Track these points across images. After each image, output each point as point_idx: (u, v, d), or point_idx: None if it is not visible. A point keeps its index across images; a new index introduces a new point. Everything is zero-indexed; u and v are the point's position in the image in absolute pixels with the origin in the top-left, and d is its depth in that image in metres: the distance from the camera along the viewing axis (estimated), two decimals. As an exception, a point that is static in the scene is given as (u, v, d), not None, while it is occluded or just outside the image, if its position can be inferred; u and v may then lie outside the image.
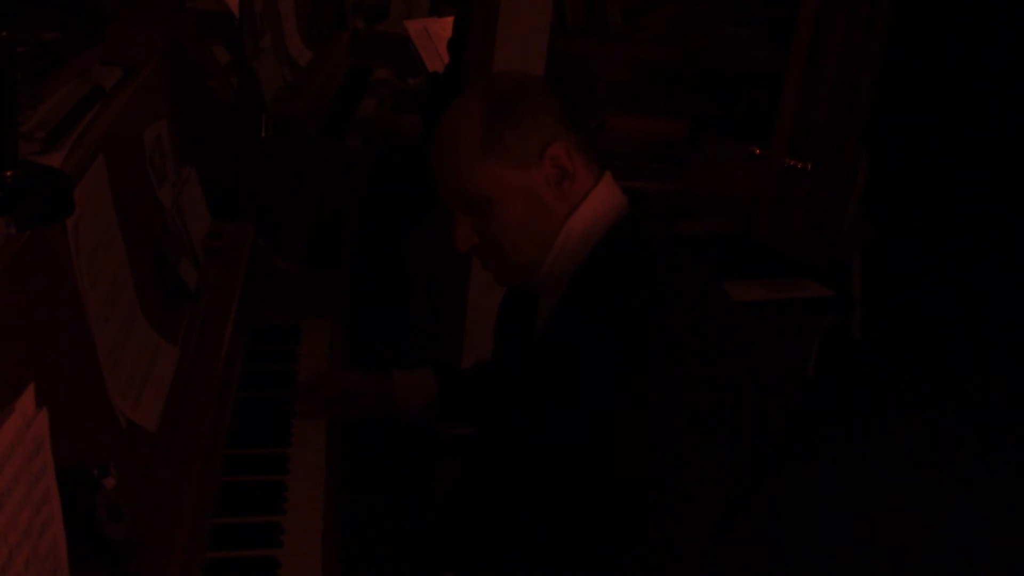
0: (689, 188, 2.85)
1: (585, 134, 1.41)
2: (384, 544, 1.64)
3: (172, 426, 1.35)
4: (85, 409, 1.15)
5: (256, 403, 1.73)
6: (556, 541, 1.34)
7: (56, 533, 0.94)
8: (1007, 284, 4.35)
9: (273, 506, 1.48)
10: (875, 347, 3.86)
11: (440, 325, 2.90)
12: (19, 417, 0.87)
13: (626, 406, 1.24)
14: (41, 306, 1.10)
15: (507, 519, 1.44)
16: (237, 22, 2.71)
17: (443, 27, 3.93)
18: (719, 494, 1.31)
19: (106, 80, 1.49)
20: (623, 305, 1.28)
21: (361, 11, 4.39)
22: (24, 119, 1.24)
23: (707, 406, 1.27)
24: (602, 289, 1.32)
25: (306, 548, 1.41)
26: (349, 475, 1.63)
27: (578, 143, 1.37)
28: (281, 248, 2.32)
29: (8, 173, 1.01)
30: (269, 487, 1.52)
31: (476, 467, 1.61)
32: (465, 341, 2.78)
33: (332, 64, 3.68)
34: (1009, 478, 3.20)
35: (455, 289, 2.78)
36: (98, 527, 1.03)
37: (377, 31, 4.43)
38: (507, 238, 1.36)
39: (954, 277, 4.44)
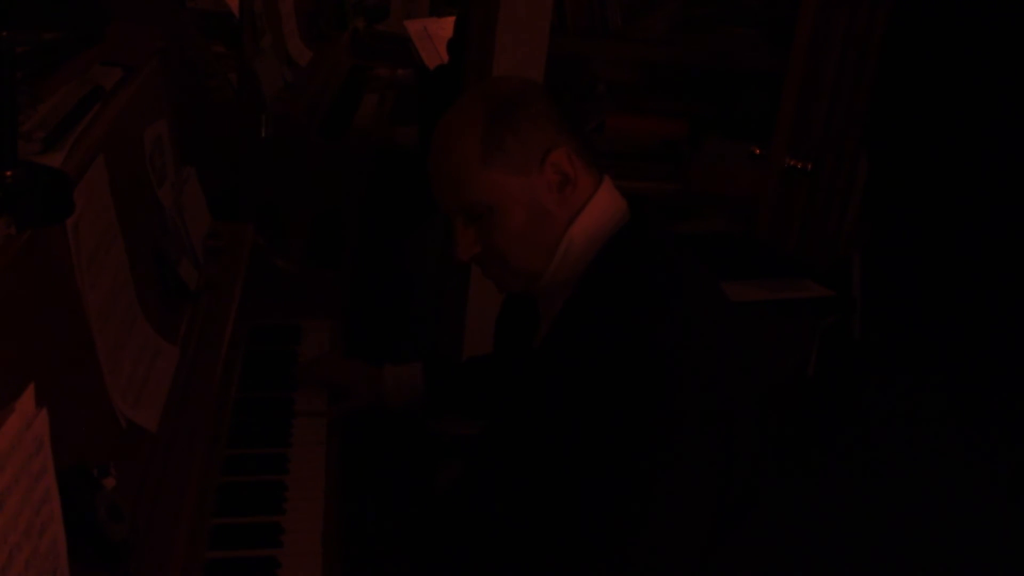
0: (689, 188, 2.85)
1: (584, 138, 1.40)
2: (384, 544, 1.64)
3: (172, 426, 1.35)
4: (85, 409, 1.15)
5: (256, 403, 1.73)
6: (556, 542, 1.34)
7: (56, 533, 0.94)
8: (1007, 284, 4.35)
9: (273, 506, 1.48)
10: (875, 347, 3.86)
11: (440, 325, 2.90)
12: (19, 417, 0.87)
13: (627, 417, 1.23)
14: (41, 306, 1.10)
15: (507, 520, 1.44)
16: (237, 22, 2.71)
17: (443, 27, 3.93)
18: (720, 495, 1.31)
19: (106, 80, 1.49)
20: (626, 321, 1.27)
21: (361, 11, 4.39)
22: (24, 119, 1.24)
23: (707, 408, 1.26)
24: (605, 303, 1.31)
25: (306, 548, 1.41)
26: (349, 475, 1.63)
27: (578, 148, 1.37)
28: (281, 248, 2.31)
29: (8, 173, 1.01)
30: (269, 487, 1.52)
31: (477, 467, 1.61)
32: (465, 341, 2.78)
33: (332, 64, 3.68)
34: (1009, 478, 3.20)
35: (455, 289, 2.78)
36: (98, 527, 1.03)
37: (377, 31, 4.43)
38: (509, 246, 1.36)
39: (954, 277, 4.44)
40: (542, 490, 1.36)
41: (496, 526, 1.46)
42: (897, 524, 2.89)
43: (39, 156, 1.18)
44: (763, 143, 2.79)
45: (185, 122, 1.87)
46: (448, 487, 1.75)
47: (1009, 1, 4.38)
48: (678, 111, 2.97)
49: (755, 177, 2.80)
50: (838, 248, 3.14)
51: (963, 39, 4.48)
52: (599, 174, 1.41)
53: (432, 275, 3.40)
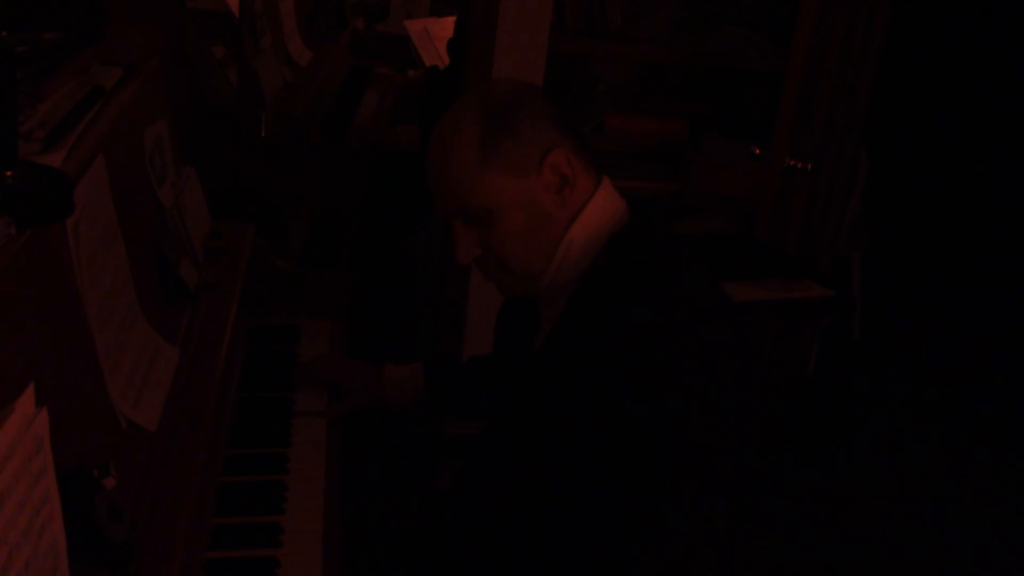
0: (689, 188, 2.85)
1: (582, 139, 1.40)
2: (384, 544, 1.64)
3: (172, 426, 1.35)
4: (85, 409, 1.15)
5: (256, 403, 1.73)
6: (557, 543, 1.34)
7: (56, 533, 0.94)
8: (1007, 284, 4.35)
9: (273, 506, 1.48)
10: (875, 347, 3.86)
11: (440, 325, 2.90)
12: (19, 417, 0.87)
13: (628, 422, 1.23)
14: (41, 306, 1.10)
15: (508, 520, 1.44)
16: (237, 22, 2.71)
17: (443, 27, 3.93)
18: (721, 496, 1.31)
19: (106, 80, 1.49)
20: (627, 322, 1.27)
21: (361, 11, 4.39)
22: (24, 119, 1.24)
23: (708, 410, 1.26)
24: (606, 304, 1.31)
25: (306, 548, 1.41)
26: (349, 475, 1.63)
27: (576, 149, 1.37)
28: (281, 248, 2.31)
29: (8, 173, 1.01)
30: (269, 487, 1.52)
31: (477, 467, 1.61)
32: (465, 341, 2.78)
33: (332, 64, 3.68)
34: (1009, 478, 3.20)
35: (455, 289, 2.78)
36: (98, 527, 1.03)
37: (377, 31, 4.42)
38: (509, 248, 1.36)
39: (953, 277, 4.44)
40: (544, 491, 1.36)
41: (496, 526, 1.46)
42: (897, 524, 2.89)
43: (39, 156, 1.18)
44: (763, 143, 2.79)
45: (185, 122, 1.88)
46: (448, 487, 1.75)
47: (1009, 1, 4.38)
48: (678, 111, 2.97)
49: (755, 177, 2.80)
50: (838, 248, 3.14)
51: (963, 39, 4.48)
52: (598, 175, 1.41)
53: (432, 275, 3.40)
